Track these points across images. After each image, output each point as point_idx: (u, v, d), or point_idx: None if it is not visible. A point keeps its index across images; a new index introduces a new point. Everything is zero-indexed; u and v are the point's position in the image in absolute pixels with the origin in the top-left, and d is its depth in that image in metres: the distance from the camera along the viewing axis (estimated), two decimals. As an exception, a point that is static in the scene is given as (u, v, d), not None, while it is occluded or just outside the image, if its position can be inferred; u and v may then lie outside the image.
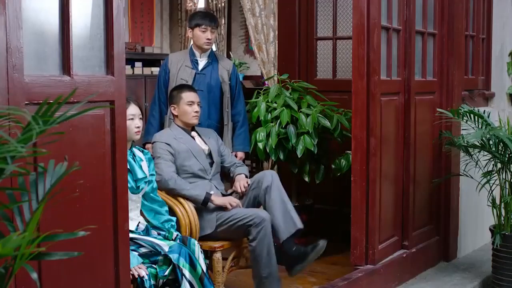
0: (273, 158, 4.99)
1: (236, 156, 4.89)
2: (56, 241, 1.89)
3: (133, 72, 9.20)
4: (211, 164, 4.41)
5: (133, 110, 3.64)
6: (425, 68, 4.98)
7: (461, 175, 5.09)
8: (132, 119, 3.60)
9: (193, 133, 4.48)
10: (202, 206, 4.08)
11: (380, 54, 4.32)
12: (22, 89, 2.32)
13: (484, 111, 4.92)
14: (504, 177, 4.84)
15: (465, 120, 4.86)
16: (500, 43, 6.03)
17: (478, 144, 4.79)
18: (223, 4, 11.01)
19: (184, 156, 4.29)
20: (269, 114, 4.96)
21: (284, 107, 4.93)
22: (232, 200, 4.14)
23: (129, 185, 3.40)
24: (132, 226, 3.47)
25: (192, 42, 5.13)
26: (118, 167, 2.74)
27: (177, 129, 4.41)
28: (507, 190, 4.86)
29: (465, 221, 5.42)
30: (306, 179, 5.11)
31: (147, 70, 9.41)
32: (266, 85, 5.94)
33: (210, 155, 4.44)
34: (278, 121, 4.91)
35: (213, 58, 5.05)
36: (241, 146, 4.96)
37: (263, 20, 5.82)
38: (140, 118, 3.68)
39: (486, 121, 4.82)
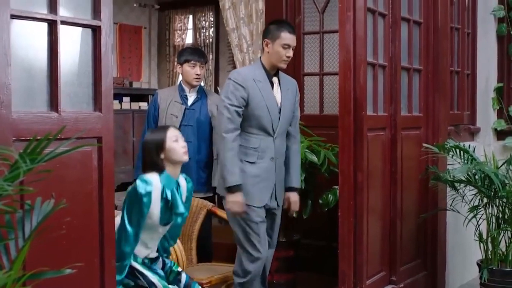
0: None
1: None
2: (43, 279, 1.88)
3: (121, 107, 9.23)
4: (279, 119, 4.13)
5: (173, 132, 3.63)
6: (411, 104, 5.02)
7: (447, 209, 5.11)
8: (176, 140, 3.58)
9: (274, 79, 4.17)
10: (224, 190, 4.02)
11: (366, 90, 4.36)
12: (9, 125, 2.33)
13: (470, 145, 4.96)
14: (490, 212, 4.87)
15: (451, 155, 4.89)
16: (485, 78, 6.10)
17: (464, 179, 4.82)
18: (211, 39, 11.10)
19: (256, 104, 4.02)
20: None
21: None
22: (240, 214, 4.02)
23: (159, 217, 3.49)
24: (146, 253, 3.58)
25: (181, 78, 5.19)
26: (105, 204, 2.74)
27: (260, 69, 4.13)
28: (493, 224, 4.89)
29: (452, 255, 5.42)
30: (294, 214, 5.10)
31: (135, 105, 9.45)
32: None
33: (281, 108, 4.14)
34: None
35: (202, 93, 5.11)
36: None
37: (250, 56, 5.86)
38: (182, 139, 3.66)
39: (472, 156, 4.86)
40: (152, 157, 3.55)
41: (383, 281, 4.72)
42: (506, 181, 4.77)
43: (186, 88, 5.06)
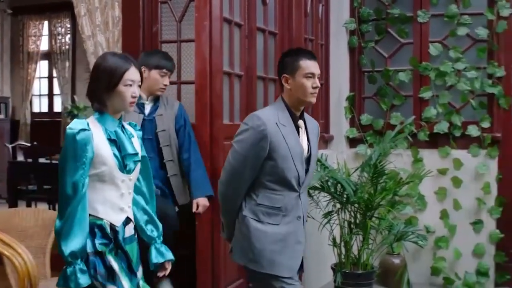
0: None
1: (197, 205, 4.34)
2: None
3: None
4: (306, 171, 3.45)
5: (134, 74, 2.91)
6: (267, 113, 5.10)
7: (303, 216, 5.24)
8: (130, 85, 2.89)
9: (300, 122, 3.45)
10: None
11: (222, 99, 4.40)
12: None
13: (322, 154, 5.11)
14: (343, 217, 5.05)
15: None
16: (338, 88, 6.32)
17: (318, 186, 4.97)
18: (67, 46, 10.82)
19: (281, 155, 3.28)
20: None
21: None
22: None
23: (116, 162, 2.87)
24: (117, 220, 2.91)
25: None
26: None
27: (283, 110, 3.39)
28: (346, 229, 5.07)
29: (308, 260, 5.53)
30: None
31: (-14, 114, 9.04)
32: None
33: (308, 159, 3.46)
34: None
35: (159, 102, 4.52)
36: (201, 190, 4.40)
37: (107, 64, 5.74)
38: (139, 86, 2.95)
39: (324, 164, 5.02)
40: (98, 86, 2.88)
41: (240, 288, 4.76)
42: (358, 188, 4.96)
43: (144, 96, 4.42)
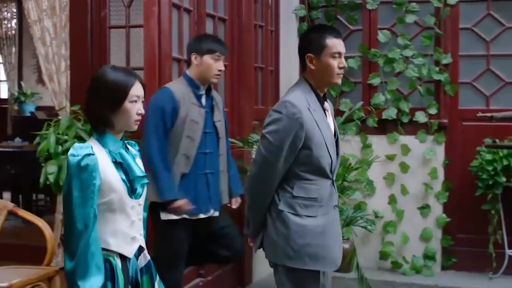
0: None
1: (231, 203, 4.28)
2: None
3: None
4: (337, 155, 3.23)
5: (139, 90, 2.64)
6: (217, 99, 5.09)
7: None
8: (135, 101, 2.62)
9: (326, 104, 3.20)
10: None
11: (172, 86, 4.36)
12: None
13: (273, 140, 5.11)
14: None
15: (255, 149, 5.02)
16: (288, 74, 6.33)
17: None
18: (13, 31, 10.60)
19: (316, 142, 3.05)
20: (60, 146, 4.78)
21: (76, 139, 4.79)
22: None
23: (124, 187, 2.61)
24: (130, 251, 2.65)
25: (188, 71, 4.09)
26: None
27: (310, 93, 3.12)
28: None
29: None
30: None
31: None
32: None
33: (337, 142, 3.22)
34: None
35: (210, 91, 4.16)
36: (239, 188, 4.34)
37: (54, 50, 5.63)
38: (142, 102, 2.68)
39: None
40: (100, 105, 2.60)
41: (191, 275, 4.76)
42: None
43: (201, 86, 4.05)
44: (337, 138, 3.21)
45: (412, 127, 6.11)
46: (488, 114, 3.72)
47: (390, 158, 6.14)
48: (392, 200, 6.14)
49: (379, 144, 6.21)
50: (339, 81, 3.16)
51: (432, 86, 6.17)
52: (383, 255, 6.11)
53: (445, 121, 6.12)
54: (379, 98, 6.18)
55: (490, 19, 6.12)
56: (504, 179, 5.55)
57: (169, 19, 4.33)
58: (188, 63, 4.09)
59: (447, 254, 6.12)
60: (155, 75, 4.26)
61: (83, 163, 2.47)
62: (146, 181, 2.70)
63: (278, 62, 6.30)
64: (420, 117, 6.09)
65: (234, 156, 4.85)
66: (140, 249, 2.70)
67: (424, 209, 6.08)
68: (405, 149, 6.11)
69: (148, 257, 2.73)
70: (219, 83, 5.14)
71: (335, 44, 3.13)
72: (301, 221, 3.05)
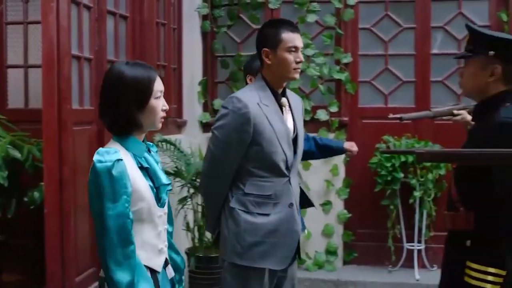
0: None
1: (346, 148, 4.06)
2: None
3: None
4: (294, 153, 3.18)
5: (161, 84, 2.50)
6: (118, 97, 5.01)
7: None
8: (159, 97, 2.47)
9: (284, 100, 3.17)
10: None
11: (71, 83, 4.26)
12: None
13: (176, 139, 5.10)
14: (197, 201, 5.07)
15: (160, 149, 4.99)
16: (191, 72, 6.30)
17: (172, 171, 4.95)
18: None
19: (266, 138, 3.03)
20: None
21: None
22: None
23: (152, 194, 2.43)
24: (159, 264, 2.49)
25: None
26: None
27: (264, 89, 3.12)
28: (199, 213, 5.09)
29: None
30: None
31: None
32: None
33: (295, 139, 3.18)
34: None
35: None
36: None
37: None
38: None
39: (179, 149, 5.01)
40: (126, 104, 2.39)
41: (92, 277, 4.67)
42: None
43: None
44: (297, 134, 3.20)
45: (314, 125, 6.20)
46: (398, 115, 3.86)
47: (293, 155, 6.21)
48: (295, 197, 6.22)
49: (282, 142, 6.27)
50: (297, 75, 3.17)
51: (333, 85, 6.29)
52: (287, 252, 6.17)
53: (346, 119, 6.26)
54: (282, 96, 6.24)
55: (388, 19, 6.30)
56: (402, 175, 5.71)
57: (68, 15, 4.22)
58: None
59: (349, 249, 6.26)
60: (54, 73, 4.14)
61: (114, 171, 2.29)
62: (170, 188, 2.54)
63: (181, 60, 6.26)
64: (322, 115, 6.19)
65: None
66: (166, 262, 2.57)
67: (326, 205, 6.19)
68: (307, 147, 6.20)
69: (173, 272, 2.61)
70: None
71: (291, 38, 3.13)
72: (252, 218, 3.07)
